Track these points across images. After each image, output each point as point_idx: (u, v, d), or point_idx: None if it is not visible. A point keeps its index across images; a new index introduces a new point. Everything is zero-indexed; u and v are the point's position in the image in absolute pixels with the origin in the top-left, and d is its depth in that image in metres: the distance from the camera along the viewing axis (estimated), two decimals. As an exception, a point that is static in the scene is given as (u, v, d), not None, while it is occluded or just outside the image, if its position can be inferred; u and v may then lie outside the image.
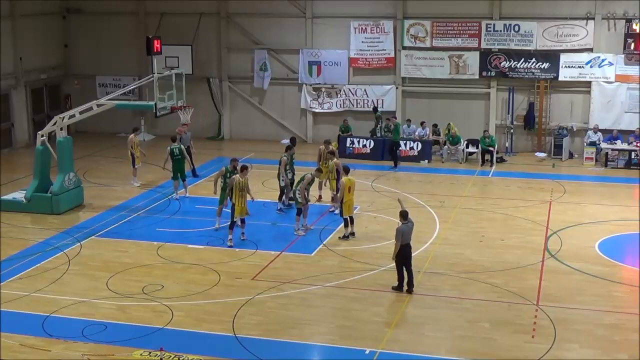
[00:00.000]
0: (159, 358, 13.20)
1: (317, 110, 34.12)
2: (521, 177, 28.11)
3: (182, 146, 24.99)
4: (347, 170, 21.42)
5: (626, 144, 29.55)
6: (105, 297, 16.99)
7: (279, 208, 23.41)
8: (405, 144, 30.84)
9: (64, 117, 23.76)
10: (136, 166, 26.49)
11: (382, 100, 32.98)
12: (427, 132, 31.55)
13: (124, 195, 25.30)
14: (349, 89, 33.45)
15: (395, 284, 17.20)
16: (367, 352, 14.41)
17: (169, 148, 24.73)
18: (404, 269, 17.09)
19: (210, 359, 13.97)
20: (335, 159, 23.35)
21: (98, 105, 23.60)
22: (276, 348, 14.62)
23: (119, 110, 26.62)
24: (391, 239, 19.06)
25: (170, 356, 13.91)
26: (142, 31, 33.78)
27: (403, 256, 17.02)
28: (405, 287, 17.06)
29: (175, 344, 14.46)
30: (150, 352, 14.13)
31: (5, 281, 17.84)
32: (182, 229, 21.79)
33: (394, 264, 17.23)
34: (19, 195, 24.00)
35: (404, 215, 17.13)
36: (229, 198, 20.51)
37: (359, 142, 31.25)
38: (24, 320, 15.82)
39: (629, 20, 29.81)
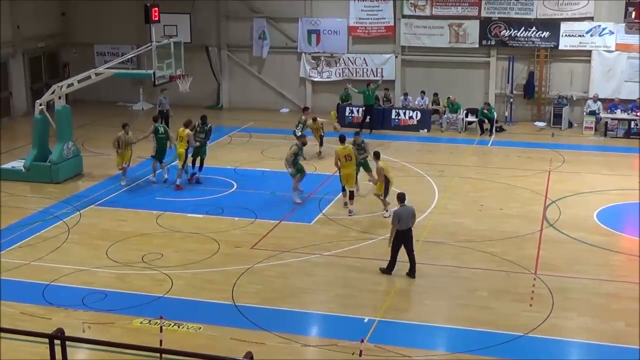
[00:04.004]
0: (158, 326, 13.26)
1: (316, 79, 34.01)
2: (520, 146, 28.08)
3: (166, 127, 24.30)
4: (342, 139, 21.24)
5: (626, 113, 29.48)
6: (105, 266, 17.05)
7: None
8: (404, 113, 30.87)
9: (62, 86, 23.66)
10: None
11: (382, 69, 32.86)
12: (427, 102, 31.49)
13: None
14: (349, 58, 33.32)
15: (384, 266, 16.42)
16: (365, 320, 14.48)
17: (153, 126, 23.63)
18: (406, 253, 16.26)
19: (210, 327, 14.04)
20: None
21: (96, 74, 23.50)
22: (275, 316, 14.70)
23: (117, 79, 26.52)
24: (391, 208, 19.12)
25: (170, 324, 13.98)
26: (141, -1, 33.58)
27: (402, 241, 16.18)
28: (406, 271, 16.39)
29: (174, 313, 14.52)
30: (150, 321, 14.21)
31: (6, 250, 17.89)
32: (182, 198, 21.81)
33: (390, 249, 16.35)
34: (18, 164, 23.99)
35: (400, 198, 16.48)
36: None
37: (358, 111, 31.16)
38: (24, 288, 15.89)
39: (630, -11, 29.63)
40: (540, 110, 31.71)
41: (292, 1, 33.64)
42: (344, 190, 20.83)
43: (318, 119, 26.39)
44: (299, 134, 24.92)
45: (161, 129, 23.52)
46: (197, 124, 23.36)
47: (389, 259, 16.42)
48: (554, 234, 19.02)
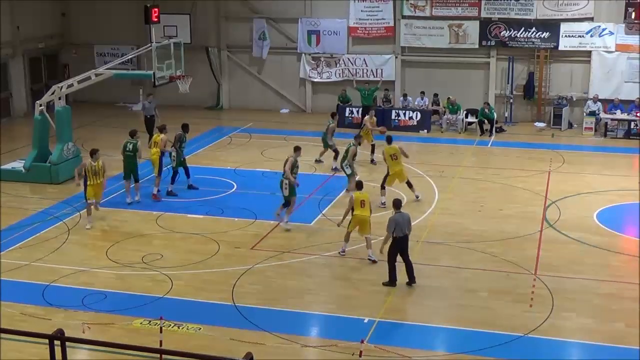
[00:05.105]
0: (158, 327, 13.26)
1: (316, 80, 34.00)
2: (520, 147, 28.08)
3: (138, 143, 21.60)
4: (389, 140, 21.72)
5: (626, 113, 29.49)
6: (105, 267, 17.05)
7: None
8: (404, 114, 30.89)
9: (62, 87, 23.66)
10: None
11: (382, 69, 32.85)
12: (427, 102, 31.50)
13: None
14: (348, 59, 33.32)
15: (386, 279, 15.97)
16: (365, 321, 14.49)
17: (124, 142, 21.62)
18: (403, 260, 15.91)
19: (210, 328, 14.04)
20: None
21: (96, 75, 23.51)
22: (275, 317, 14.70)
23: (117, 79, 26.49)
24: (390, 209, 19.11)
25: (170, 325, 13.98)
26: (141, -1, 33.60)
27: (398, 249, 15.78)
28: (406, 280, 16.03)
29: (174, 313, 14.53)
30: (150, 321, 14.21)
31: (5, 250, 17.89)
32: (182, 199, 21.80)
33: (386, 257, 15.95)
34: (18, 164, 24.00)
35: (396, 204, 16.05)
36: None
37: (357, 112, 31.18)
38: (24, 289, 15.90)
39: (630, -11, 29.63)
40: (540, 111, 31.70)
41: (292, 2, 33.65)
42: (383, 188, 21.01)
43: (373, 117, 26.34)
44: (331, 143, 24.65)
45: (129, 146, 21.33)
46: (181, 133, 22.33)
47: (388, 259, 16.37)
48: (554, 235, 19.02)
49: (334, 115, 25.91)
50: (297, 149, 19.76)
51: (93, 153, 19.90)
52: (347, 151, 21.72)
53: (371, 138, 25.36)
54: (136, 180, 21.56)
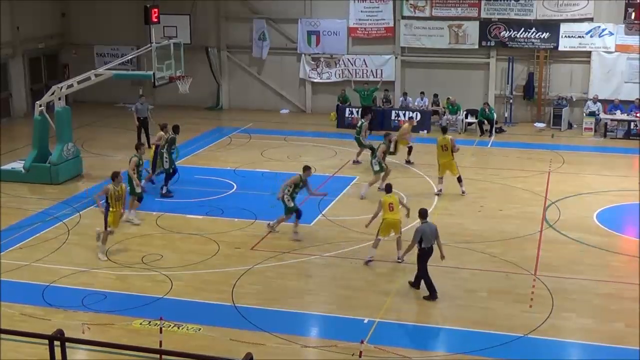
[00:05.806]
0: (158, 327, 13.26)
1: (316, 80, 33.99)
2: (520, 147, 28.08)
3: (129, 167, 20.30)
4: (444, 130, 23.19)
5: (626, 114, 29.49)
6: (104, 267, 17.05)
7: None
8: (404, 114, 30.87)
9: (62, 87, 23.66)
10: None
11: (382, 70, 32.85)
12: (427, 103, 31.49)
13: (122, 165, 25.19)
14: (348, 59, 33.31)
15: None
16: (365, 321, 14.48)
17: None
18: (417, 265, 15.59)
19: (210, 328, 14.04)
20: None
21: (96, 75, 23.51)
22: (275, 317, 14.69)
23: (117, 80, 26.48)
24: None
25: (170, 325, 13.97)
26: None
27: (426, 260, 15.44)
28: (409, 280, 15.94)
29: (174, 313, 14.52)
30: (149, 321, 14.20)
31: (5, 251, 17.88)
32: (181, 199, 21.79)
33: (416, 267, 15.61)
34: (18, 165, 23.99)
35: (422, 214, 15.58)
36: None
37: (357, 112, 31.15)
38: (23, 289, 15.89)
39: (630, -11, 29.63)
40: (540, 111, 31.70)
41: (292, 2, 33.64)
42: (440, 178, 22.16)
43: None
44: (367, 142, 24.67)
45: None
46: (172, 135, 22.10)
47: (389, 259, 16.37)
48: (553, 235, 19.02)
49: (365, 114, 26.31)
50: (306, 169, 18.89)
51: (115, 176, 17.88)
52: (377, 148, 22.23)
53: (407, 141, 25.30)
54: (133, 197, 20.07)
